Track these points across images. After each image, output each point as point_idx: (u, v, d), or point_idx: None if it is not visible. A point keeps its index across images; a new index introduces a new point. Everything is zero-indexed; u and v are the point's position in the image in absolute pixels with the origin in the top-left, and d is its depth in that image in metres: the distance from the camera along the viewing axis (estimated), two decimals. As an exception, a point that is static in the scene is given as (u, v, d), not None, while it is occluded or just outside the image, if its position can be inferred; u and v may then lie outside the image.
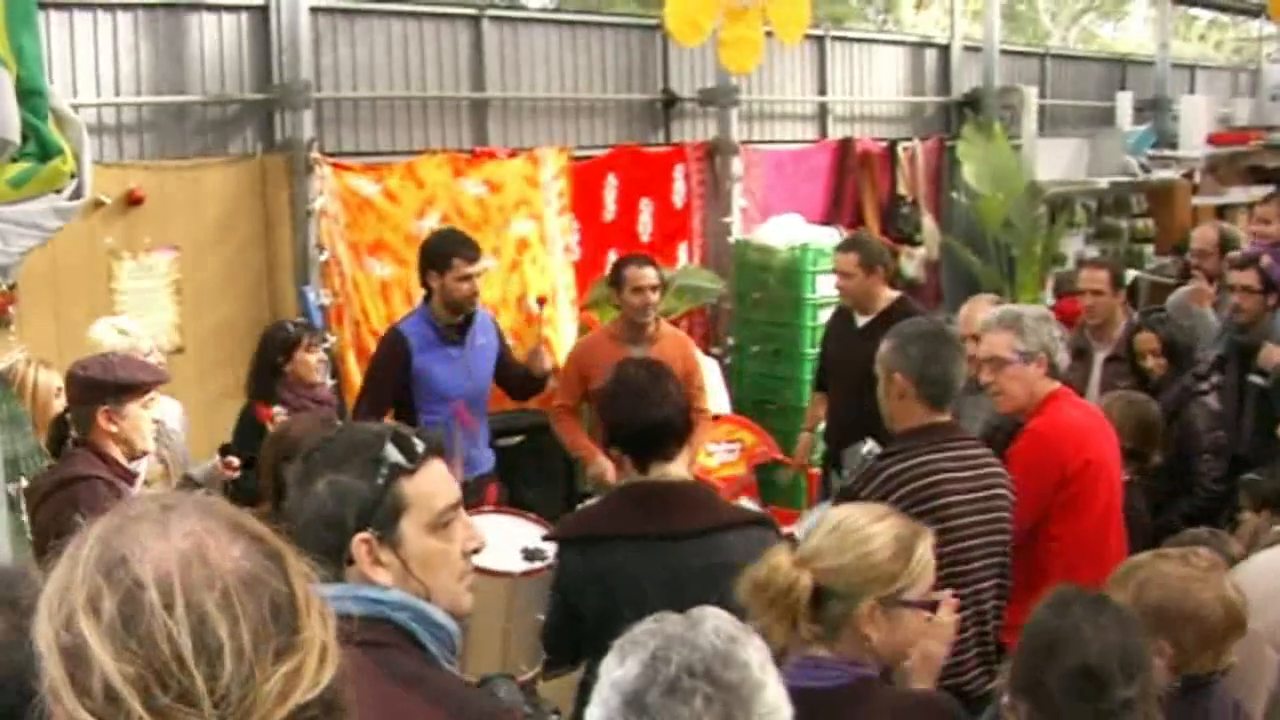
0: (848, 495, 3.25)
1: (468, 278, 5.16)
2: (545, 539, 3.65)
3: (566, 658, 3.26)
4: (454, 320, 5.24)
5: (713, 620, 1.68)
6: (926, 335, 3.50)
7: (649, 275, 5.61)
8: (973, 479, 3.34)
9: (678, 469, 3.03)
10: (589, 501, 4.01)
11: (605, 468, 5.25)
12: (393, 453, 1.94)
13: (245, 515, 1.17)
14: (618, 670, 1.64)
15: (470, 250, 5.22)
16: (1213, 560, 2.75)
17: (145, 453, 3.91)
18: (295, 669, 1.06)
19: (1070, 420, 3.79)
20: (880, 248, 6.14)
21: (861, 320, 5.72)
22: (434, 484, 1.98)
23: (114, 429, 3.72)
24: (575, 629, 3.02)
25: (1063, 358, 3.91)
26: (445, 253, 5.18)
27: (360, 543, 1.90)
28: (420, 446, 1.97)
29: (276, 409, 4.86)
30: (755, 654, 1.66)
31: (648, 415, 2.95)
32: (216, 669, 1.02)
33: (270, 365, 5.08)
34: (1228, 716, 2.65)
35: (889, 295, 5.82)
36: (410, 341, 5.21)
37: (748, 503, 5.83)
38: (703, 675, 1.59)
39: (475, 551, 2.05)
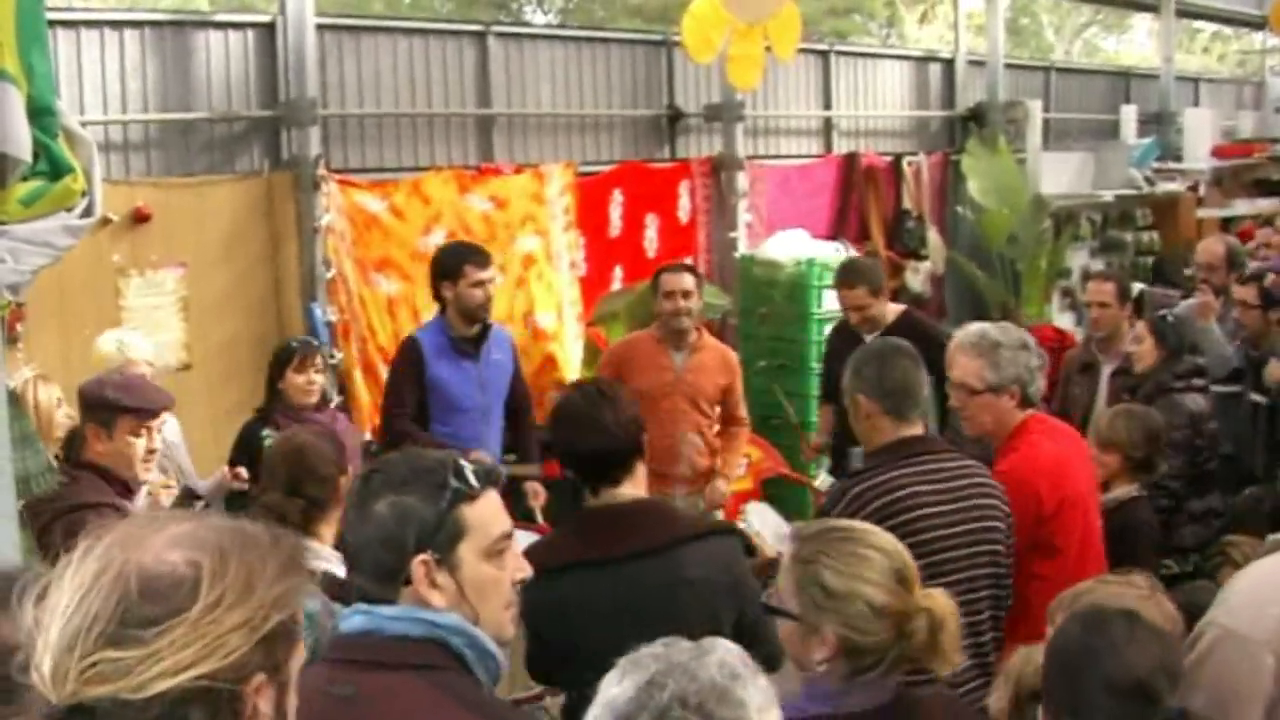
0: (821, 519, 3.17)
1: (480, 284, 5.20)
2: None
3: (545, 683, 3.31)
4: (469, 332, 5.25)
5: (720, 653, 1.65)
6: (879, 353, 3.55)
7: (680, 281, 5.65)
8: (949, 490, 3.28)
9: (629, 490, 3.00)
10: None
11: None
12: (456, 478, 1.99)
13: (215, 528, 1.37)
14: (615, 689, 1.63)
15: (480, 257, 5.28)
16: (1151, 584, 2.79)
17: (137, 479, 3.83)
18: (152, 640, 1.24)
19: (1043, 457, 3.63)
20: (877, 266, 6.19)
21: (869, 336, 5.73)
22: (492, 512, 2.04)
23: (100, 448, 3.71)
24: (546, 657, 3.03)
25: (1039, 387, 3.77)
26: (456, 261, 5.23)
27: (419, 564, 1.96)
28: (478, 475, 2.03)
29: (266, 431, 4.81)
30: (756, 694, 1.62)
31: (595, 442, 2.96)
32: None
33: (271, 384, 5.06)
34: None
35: (894, 309, 5.90)
36: (424, 348, 5.23)
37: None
38: (695, 708, 1.56)
39: (523, 581, 2.09)
